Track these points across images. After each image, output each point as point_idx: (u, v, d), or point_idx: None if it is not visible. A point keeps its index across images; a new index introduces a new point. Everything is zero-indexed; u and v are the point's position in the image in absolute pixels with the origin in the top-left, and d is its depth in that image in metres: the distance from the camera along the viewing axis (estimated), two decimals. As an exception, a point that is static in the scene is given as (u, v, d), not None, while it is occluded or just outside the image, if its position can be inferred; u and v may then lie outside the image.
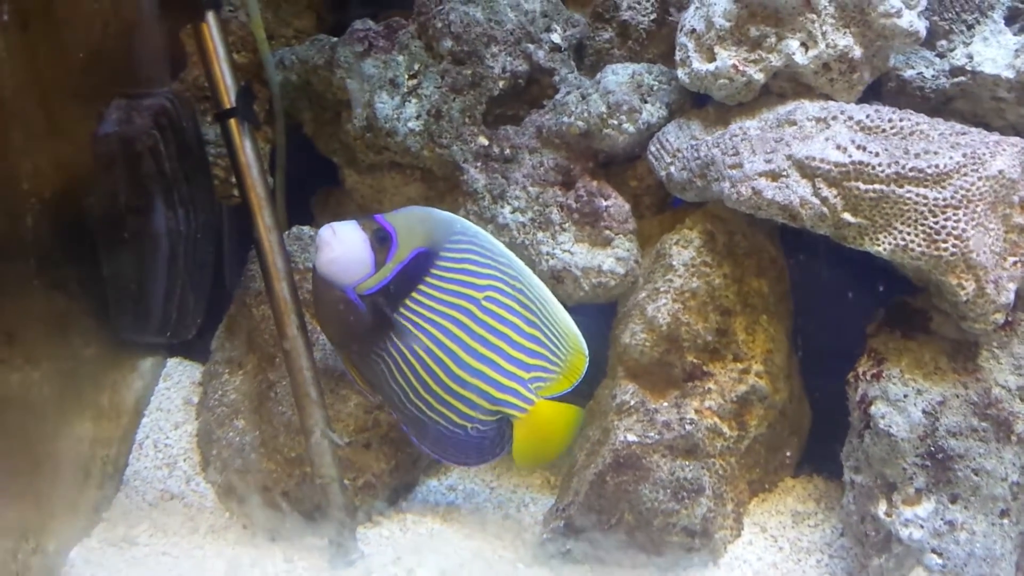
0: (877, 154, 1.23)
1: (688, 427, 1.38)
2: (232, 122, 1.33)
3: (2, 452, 1.28)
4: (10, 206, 1.29)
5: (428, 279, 1.28)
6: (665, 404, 1.41)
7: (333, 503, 1.41)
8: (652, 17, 1.57)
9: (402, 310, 1.28)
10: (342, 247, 1.26)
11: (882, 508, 1.30)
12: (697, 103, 1.51)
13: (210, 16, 1.31)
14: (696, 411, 1.39)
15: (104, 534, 1.46)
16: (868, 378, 1.34)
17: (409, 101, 1.57)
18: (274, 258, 1.36)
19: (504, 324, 1.30)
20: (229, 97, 1.33)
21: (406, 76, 1.57)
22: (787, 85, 1.38)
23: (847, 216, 1.25)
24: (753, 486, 1.50)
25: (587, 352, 1.33)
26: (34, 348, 1.37)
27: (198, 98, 1.59)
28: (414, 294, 1.28)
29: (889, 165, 1.22)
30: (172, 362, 1.77)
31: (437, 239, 1.28)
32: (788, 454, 1.53)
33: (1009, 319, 1.30)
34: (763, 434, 1.45)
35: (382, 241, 1.27)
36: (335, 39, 1.62)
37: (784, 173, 1.27)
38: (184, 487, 1.58)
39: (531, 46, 1.56)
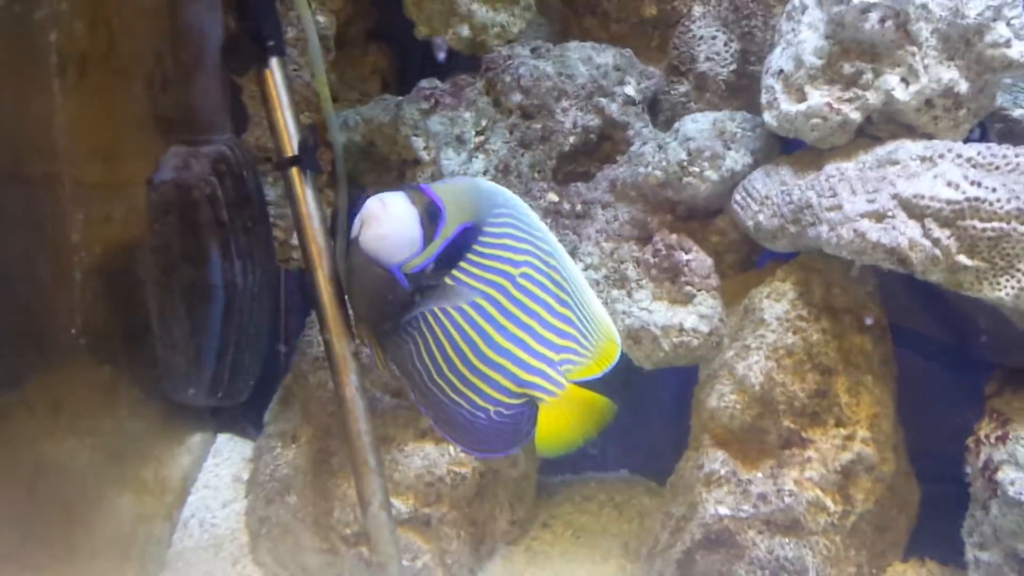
0: (994, 189, 1.12)
1: (787, 500, 1.24)
2: (294, 171, 1.27)
3: (38, 522, 1.19)
4: (58, 263, 1.24)
5: (470, 255, 1.18)
6: (759, 474, 1.27)
7: (391, 585, 1.28)
8: (732, 68, 1.50)
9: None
10: (392, 223, 1.15)
11: (1017, 592, 1.14)
12: (784, 151, 1.42)
13: (274, 62, 1.27)
14: (795, 482, 1.25)
15: (142, 619, 1.35)
16: (992, 441, 1.19)
17: (476, 157, 1.50)
18: (333, 313, 1.27)
19: (536, 302, 1.19)
20: (292, 145, 1.27)
21: (473, 132, 1.52)
22: (884, 126, 1.28)
23: (963, 259, 1.13)
24: (860, 570, 1.33)
25: (619, 341, 1.21)
26: (79, 419, 1.30)
27: (259, 159, 1.54)
28: (455, 271, 1.18)
29: (1009, 200, 1.11)
30: (222, 438, 1.69)
31: (482, 213, 1.19)
32: (896, 535, 1.36)
33: None
34: (870, 511, 1.30)
35: (432, 217, 1.16)
36: (400, 98, 1.57)
37: (889, 213, 1.16)
38: (229, 570, 1.47)
39: (603, 100, 1.50)
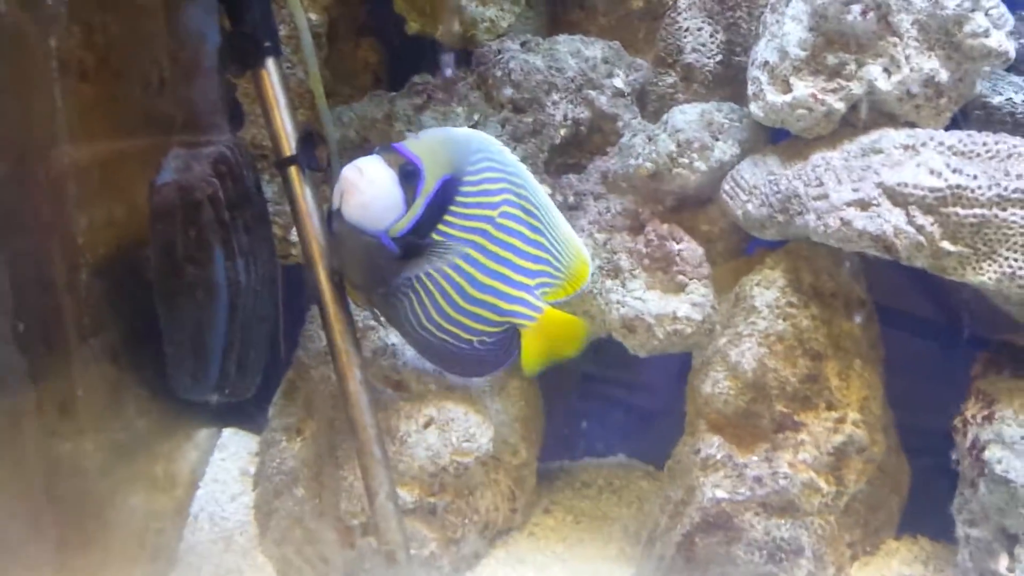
0: (975, 176, 1.16)
1: (782, 482, 1.27)
2: (293, 170, 1.29)
3: (52, 522, 1.22)
4: (64, 266, 1.26)
5: (452, 207, 1.20)
6: (754, 458, 1.30)
7: (399, 573, 1.31)
8: (718, 59, 1.53)
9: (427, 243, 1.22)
10: (372, 189, 1.16)
11: (1003, 564, 1.19)
12: (771, 140, 1.45)
13: (270, 63, 1.29)
14: (789, 464, 1.29)
15: (156, 613, 1.39)
16: (979, 421, 1.23)
17: (469, 152, 1.52)
18: (335, 309, 1.30)
19: (513, 235, 1.24)
20: (290, 144, 1.29)
21: (466, 126, 1.54)
22: (868, 115, 1.31)
23: (946, 245, 1.17)
24: (854, 548, 1.37)
25: (589, 260, 1.28)
26: (88, 418, 1.32)
27: (255, 156, 1.56)
28: (440, 225, 1.20)
29: (990, 187, 1.15)
30: (228, 432, 1.72)
31: (460, 163, 1.21)
32: (888, 513, 1.41)
33: None
34: (862, 491, 1.34)
35: (410, 176, 1.18)
36: (393, 94, 1.60)
37: (874, 202, 1.19)
38: (241, 562, 1.50)
39: (593, 92, 1.52)
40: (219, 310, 1.31)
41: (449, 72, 1.61)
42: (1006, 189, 1.14)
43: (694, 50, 1.53)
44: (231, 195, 1.28)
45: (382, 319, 1.32)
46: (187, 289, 1.28)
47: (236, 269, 1.29)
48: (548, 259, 1.26)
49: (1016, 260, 1.14)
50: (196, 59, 1.43)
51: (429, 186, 1.18)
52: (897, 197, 1.19)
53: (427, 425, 1.43)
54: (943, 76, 1.26)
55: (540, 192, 1.27)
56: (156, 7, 1.45)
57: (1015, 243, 1.14)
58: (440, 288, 1.23)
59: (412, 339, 1.29)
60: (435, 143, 1.22)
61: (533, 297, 1.25)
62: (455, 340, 1.26)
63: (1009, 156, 1.19)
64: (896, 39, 1.25)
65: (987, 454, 1.20)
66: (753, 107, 1.36)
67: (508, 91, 1.51)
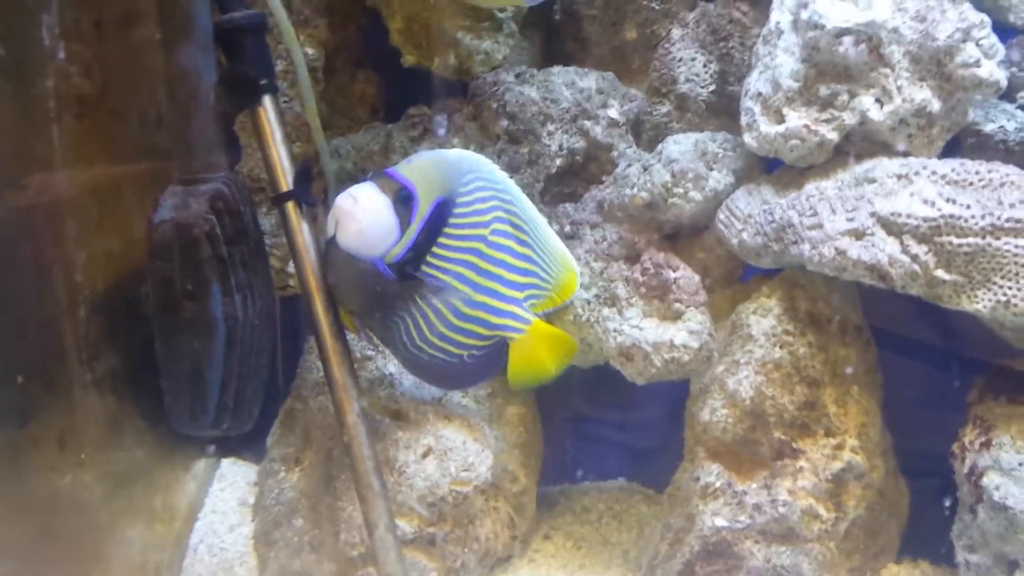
0: (969, 206, 1.17)
1: (782, 509, 1.28)
2: (290, 205, 1.30)
3: (52, 558, 1.22)
4: (63, 301, 1.27)
5: (447, 229, 1.21)
6: (754, 485, 1.31)
7: (399, 605, 1.31)
8: (711, 89, 1.54)
9: (424, 267, 1.22)
10: (367, 217, 1.16)
11: (1004, 591, 1.19)
12: (765, 169, 1.46)
13: (267, 99, 1.30)
14: (789, 492, 1.29)
15: (156, 646, 1.38)
16: (976, 448, 1.23)
17: (465, 182, 1.53)
18: (333, 343, 1.30)
19: (503, 251, 1.26)
20: (287, 180, 1.30)
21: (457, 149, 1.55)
22: (861, 144, 1.32)
23: (940, 273, 1.18)
24: (854, 574, 1.37)
25: (578, 270, 1.31)
26: (86, 452, 1.32)
27: (253, 189, 1.57)
28: (435, 248, 1.21)
29: (983, 216, 1.16)
30: (226, 463, 1.72)
31: (452, 184, 1.22)
32: (888, 538, 1.41)
33: None
34: (861, 516, 1.34)
35: (404, 201, 1.18)
36: (390, 126, 1.61)
37: (869, 231, 1.20)
38: (240, 593, 1.50)
39: (588, 122, 1.54)
40: (217, 346, 1.31)
41: (444, 105, 1.62)
42: (999, 218, 1.15)
43: (688, 80, 1.54)
44: (228, 231, 1.29)
45: (378, 344, 1.33)
46: (185, 325, 1.29)
47: (234, 305, 1.30)
48: (536, 271, 1.28)
49: (1010, 288, 1.15)
50: (194, 97, 1.45)
51: (423, 210, 1.19)
52: (891, 226, 1.20)
53: (426, 455, 1.43)
54: (935, 106, 1.27)
55: (528, 205, 1.28)
56: (155, 45, 1.47)
57: (1009, 271, 1.15)
58: (435, 309, 1.24)
59: (403, 357, 1.30)
60: (427, 166, 1.23)
61: (522, 309, 1.27)
62: (446, 356, 1.27)
63: (1002, 184, 1.21)
64: (888, 70, 1.27)
65: (985, 481, 1.20)
66: (747, 137, 1.37)
67: (504, 122, 1.53)
